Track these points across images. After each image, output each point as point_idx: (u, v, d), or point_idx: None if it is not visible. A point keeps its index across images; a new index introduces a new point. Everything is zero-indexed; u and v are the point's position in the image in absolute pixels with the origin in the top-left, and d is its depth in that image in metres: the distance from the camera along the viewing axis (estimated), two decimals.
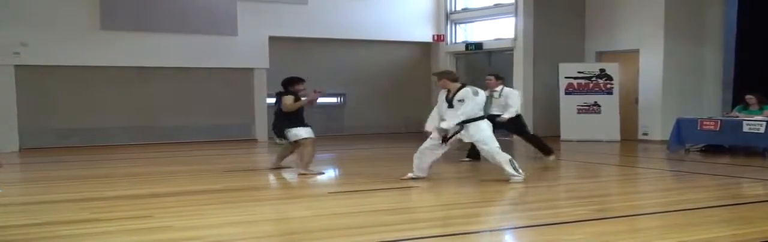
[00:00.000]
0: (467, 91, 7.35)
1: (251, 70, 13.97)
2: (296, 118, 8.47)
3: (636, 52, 13.33)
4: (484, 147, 7.42)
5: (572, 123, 13.18)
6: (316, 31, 14.40)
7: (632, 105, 13.39)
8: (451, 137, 7.40)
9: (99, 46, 12.49)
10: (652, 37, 12.94)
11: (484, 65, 14.98)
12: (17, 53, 11.91)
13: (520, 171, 7.47)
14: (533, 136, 10.05)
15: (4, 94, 11.93)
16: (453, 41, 15.87)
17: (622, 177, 8.80)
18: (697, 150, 11.02)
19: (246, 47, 13.69)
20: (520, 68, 13.90)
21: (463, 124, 7.33)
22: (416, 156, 7.60)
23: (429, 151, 7.55)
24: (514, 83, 13.58)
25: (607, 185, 7.95)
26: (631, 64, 13.43)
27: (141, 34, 12.84)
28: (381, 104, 15.75)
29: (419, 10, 15.65)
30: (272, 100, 13.84)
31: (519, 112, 9.69)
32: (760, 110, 10.69)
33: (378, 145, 12.99)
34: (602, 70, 13.26)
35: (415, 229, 5.14)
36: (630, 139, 13.10)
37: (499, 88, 9.67)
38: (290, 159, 8.81)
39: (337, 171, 8.80)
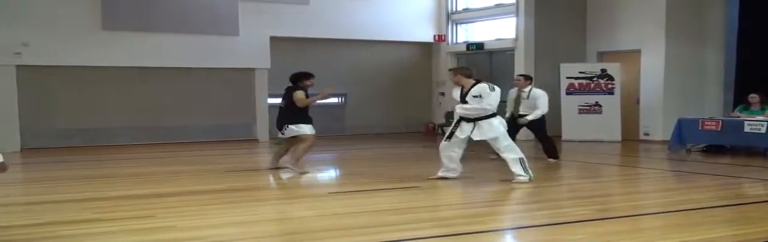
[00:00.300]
0: (483, 86, 7.31)
1: (252, 70, 13.97)
2: (302, 114, 8.44)
3: (637, 52, 13.33)
4: (497, 144, 7.42)
5: (573, 124, 13.18)
6: (317, 31, 14.41)
7: (633, 105, 13.39)
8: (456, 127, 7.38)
9: (100, 46, 12.50)
10: (654, 38, 12.94)
11: (485, 65, 14.97)
12: (18, 53, 11.92)
13: (529, 171, 7.47)
14: (549, 139, 10.02)
15: (6, 94, 11.94)
16: (454, 41, 15.87)
17: (624, 177, 8.81)
18: (699, 151, 11.03)
19: (247, 47, 13.70)
20: (521, 68, 13.86)
21: (475, 121, 7.33)
22: (443, 155, 7.62)
23: (448, 150, 7.57)
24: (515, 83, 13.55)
25: (608, 185, 7.95)
26: (632, 64, 13.42)
27: (142, 34, 12.84)
28: (382, 104, 15.75)
29: (420, 10, 15.65)
30: (273, 100, 14.01)
31: (545, 113, 9.70)
32: (762, 110, 10.70)
33: (379, 145, 12.99)
34: (603, 70, 13.26)
35: (417, 229, 5.14)
36: (631, 139, 13.10)
37: (527, 89, 9.70)
38: (286, 158, 8.76)
39: (338, 171, 8.79)
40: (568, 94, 13.35)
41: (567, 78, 13.36)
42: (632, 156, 11.40)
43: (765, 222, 5.39)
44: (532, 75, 13.87)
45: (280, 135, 8.64)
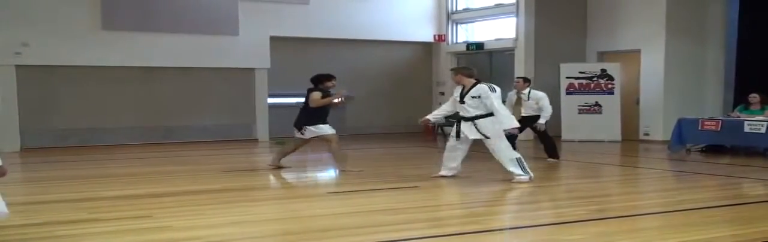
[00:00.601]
0: (483, 87, 7.34)
1: (252, 70, 13.95)
2: (320, 115, 8.50)
3: (637, 52, 13.31)
4: (493, 144, 7.41)
5: (573, 124, 13.17)
6: (317, 31, 14.40)
7: (633, 105, 13.37)
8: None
9: (100, 46, 12.50)
10: (654, 37, 12.93)
11: (485, 65, 14.96)
12: (18, 53, 11.92)
13: (529, 171, 7.47)
14: (550, 138, 10.02)
15: (6, 94, 11.93)
16: (454, 41, 15.86)
17: (623, 177, 8.79)
18: (698, 151, 11.01)
19: (247, 47, 13.68)
20: (521, 68, 13.86)
21: (473, 120, 7.35)
22: (447, 155, 7.71)
23: (454, 149, 7.66)
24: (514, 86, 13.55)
25: (607, 185, 7.93)
26: (632, 64, 13.41)
27: (142, 34, 12.84)
28: (382, 104, 15.74)
29: (420, 10, 15.64)
30: (273, 100, 14.02)
31: (551, 112, 9.80)
32: (762, 110, 10.68)
33: (379, 145, 12.98)
34: (603, 70, 13.25)
35: (414, 229, 5.13)
36: (631, 139, 13.09)
37: (526, 91, 9.78)
38: (288, 158, 8.75)
39: (337, 171, 8.76)
40: (568, 93, 13.34)
41: (567, 78, 13.35)
42: (632, 156, 11.39)
43: (765, 222, 5.37)
44: (533, 75, 13.92)
45: (298, 135, 8.64)
